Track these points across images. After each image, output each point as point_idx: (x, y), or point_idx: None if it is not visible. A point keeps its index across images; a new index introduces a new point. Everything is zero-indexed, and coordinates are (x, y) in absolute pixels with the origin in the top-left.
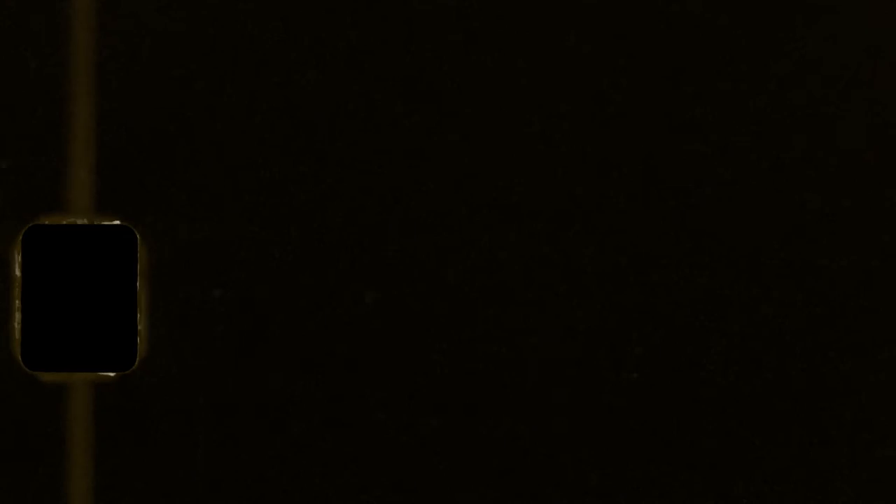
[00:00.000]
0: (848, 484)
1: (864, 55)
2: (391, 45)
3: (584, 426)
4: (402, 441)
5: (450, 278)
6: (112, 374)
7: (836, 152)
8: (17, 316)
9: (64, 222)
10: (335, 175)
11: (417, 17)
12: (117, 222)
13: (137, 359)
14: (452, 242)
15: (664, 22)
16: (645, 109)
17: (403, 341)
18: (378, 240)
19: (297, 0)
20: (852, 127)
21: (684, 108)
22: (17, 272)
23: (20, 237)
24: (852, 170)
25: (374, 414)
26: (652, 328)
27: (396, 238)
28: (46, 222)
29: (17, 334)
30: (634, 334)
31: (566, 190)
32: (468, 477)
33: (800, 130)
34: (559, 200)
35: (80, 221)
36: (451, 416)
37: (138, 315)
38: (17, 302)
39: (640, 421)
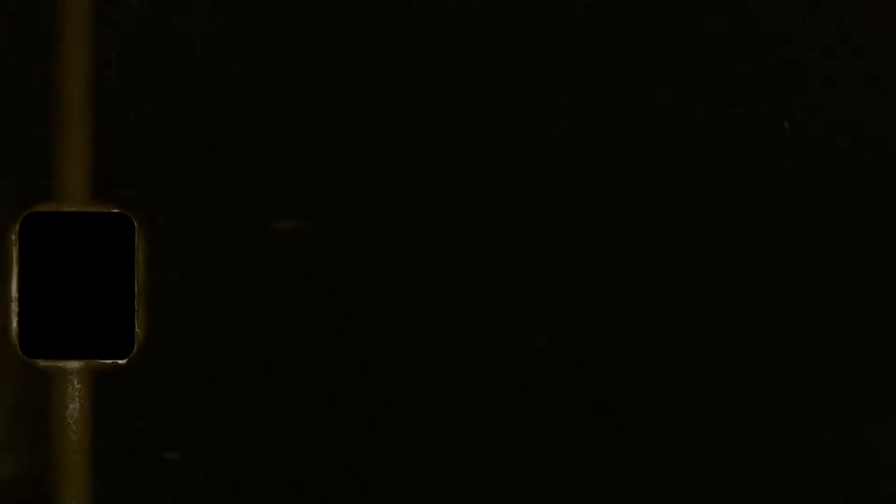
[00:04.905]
0: (848, 484)
1: (864, 54)
2: (391, 45)
3: (584, 426)
4: (402, 441)
5: (449, 278)
6: (110, 362)
7: (836, 152)
8: (15, 304)
9: (62, 210)
10: (335, 174)
11: (417, 17)
12: (115, 210)
13: (135, 346)
14: (452, 242)
15: (664, 22)
16: (644, 109)
17: (403, 341)
18: (378, 238)
19: (297, 0)
20: (852, 127)
21: (684, 108)
22: (15, 260)
23: (17, 225)
24: (852, 170)
25: (373, 413)
26: (651, 328)
27: (396, 237)
28: (44, 210)
29: (15, 322)
30: (634, 334)
31: (566, 190)
32: (468, 476)
33: (800, 130)
34: (559, 200)
35: (77, 209)
36: (451, 416)
37: (136, 303)
38: (14, 289)
39: (640, 421)
